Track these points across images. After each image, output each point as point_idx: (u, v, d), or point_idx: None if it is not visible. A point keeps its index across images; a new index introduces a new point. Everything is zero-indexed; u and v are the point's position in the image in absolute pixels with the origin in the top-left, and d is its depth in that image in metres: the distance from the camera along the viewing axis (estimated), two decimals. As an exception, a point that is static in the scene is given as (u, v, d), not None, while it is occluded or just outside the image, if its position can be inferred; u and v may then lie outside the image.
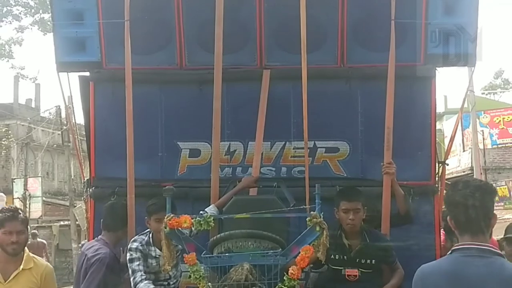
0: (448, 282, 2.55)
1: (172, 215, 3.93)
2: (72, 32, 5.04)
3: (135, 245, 4.16)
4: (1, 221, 3.83)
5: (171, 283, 4.27)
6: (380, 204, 4.47)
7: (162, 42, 5.06)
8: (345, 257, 4.10)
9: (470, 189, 2.64)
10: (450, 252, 2.67)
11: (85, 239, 6.76)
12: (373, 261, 4.09)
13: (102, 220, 4.57)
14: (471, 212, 2.59)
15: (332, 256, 4.04)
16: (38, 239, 15.51)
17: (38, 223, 26.13)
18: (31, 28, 30.04)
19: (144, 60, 4.97)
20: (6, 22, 30.14)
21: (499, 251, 2.69)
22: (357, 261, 4.09)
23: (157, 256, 4.17)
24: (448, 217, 2.75)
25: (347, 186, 4.50)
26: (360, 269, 4.06)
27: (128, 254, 4.15)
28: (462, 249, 2.60)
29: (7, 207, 4.03)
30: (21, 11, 29.44)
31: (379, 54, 4.77)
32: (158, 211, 4.15)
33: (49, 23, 26.69)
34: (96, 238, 4.55)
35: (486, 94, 36.49)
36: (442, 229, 5.81)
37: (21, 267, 3.87)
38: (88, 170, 5.32)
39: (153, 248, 4.20)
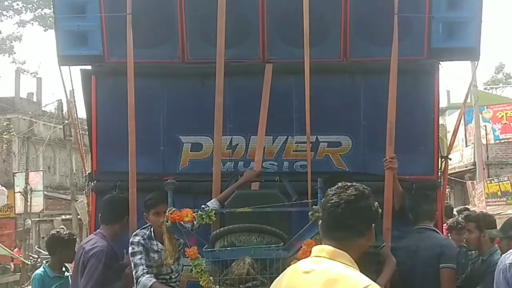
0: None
1: (173, 209, 3.92)
2: (74, 26, 5.03)
3: (137, 239, 4.16)
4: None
5: (173, 277, 4.27)
6: (381, 199, 4.46)
7: (164, 36, 5.04)
8: None
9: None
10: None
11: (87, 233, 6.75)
12: None
13: (100, 214, 4.57)
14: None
15: None
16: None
17: (39, 217, 26.20)
18: (32, 24, 30.08)
19: (146, 53, 4.95)
20: (8, 16, 30.16)
21: (433, 228, 4.63)
22: None
23: (159, 250, 4.17)
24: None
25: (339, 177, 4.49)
26: None
27: (130, 248, 4.15)
28: (418, 228, 4.58)
29: None
30: (22, 6, 29.46)
31: (382, 48, 4.75)
32: (156, 205, 4.15)
33: (50, 18, 26.71)
34: (94, 232, 4.55)
35: (489, 89, 36.44)
36: (445, 224, 5.85)
37: None
38: (90, 164, 5.31)
39: (154, 242, 4.19)
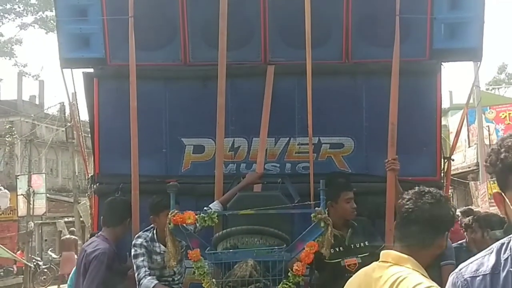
0: None
1: (176, 211, 3.92)
2: (76, 28, 5.04)
3: (139, 241, 4.16)
4: None
5: (176, 279, 4.27)
6: (382, 199, 4.45)
7: (166, 38, 5.05)
8: (341, 248, 4.12)
9: None
10: None
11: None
12: (366, 242, 4.09)
13: (102, 216, 4.58)
14: None
15: (328, 250, 4.04)
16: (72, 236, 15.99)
17: (42, 220, 26.20)
18: (34, 26, 30.14)
19: (148, 56, 4.96)
20: (9, 19, 30.24)
21: None
22: (352, 247, 4.11)
23: (161, 252, 4.17)
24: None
25: (335, 178, 4.50)
26: (357, 255, 4.06)
27: (132, 250, 4.15)
28: None
29: None
30: (24, 8, 29.54)
31: (384, 50, 4.74)
32: (169, 207, 4.13)
33: (52, 21, 26.77)
34: (96, 234, 4.56)
35: (491, 90, 36.38)
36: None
37: None
38: (92, 166, 5.32)
39: (157, 244, 4.19)
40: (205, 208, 4.06)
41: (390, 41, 4.58)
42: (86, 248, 4.38)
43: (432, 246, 2.33)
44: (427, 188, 2.38)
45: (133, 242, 4.19)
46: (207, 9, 4.88)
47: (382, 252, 2.40)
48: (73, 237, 16.13)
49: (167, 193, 4.06)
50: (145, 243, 4.16)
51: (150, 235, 4.22)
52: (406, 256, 2.29)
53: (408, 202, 2.35)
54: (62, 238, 17.32)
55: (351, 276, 3.99)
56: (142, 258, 4.10)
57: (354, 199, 4.31)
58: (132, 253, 4.14)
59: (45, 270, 20.77)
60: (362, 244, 4.11)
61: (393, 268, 2.27)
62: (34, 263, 20.88)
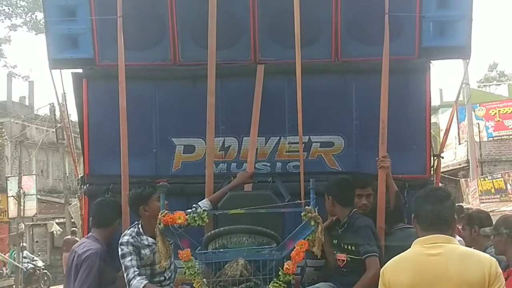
0: None
1: (166, 211, 3.90)
2: (64, 29, 5.02)
3: (125, 238, 4.08)
4: None
5: (167, 277, 4.23)
6: (374, 198, 4.47)
7: (155, 38, 5.04)
8: (335, 241, 4.22)
9: None
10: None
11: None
12: (353, 247, 4.08)
13: (91, 217, 4.56)
14: None
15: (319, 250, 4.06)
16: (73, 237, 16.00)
17: (33, 221, 26.08)
18: (22, 27, 30.05)
19: (137, 56, 4.94)
20: (-1, 21, 30.11)
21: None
22: (341, 246, 4.15)
23: (150, 244, 4.10)
24: None
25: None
26: (348, 255, 4.08)
27: (119, 250, 4.06)
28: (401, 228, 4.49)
29: None
30: (12, 10, 29.43)
31: (373, 48, 4.75)
32: (155, 192, 4.11)
33: (41, 22, 26.65)
34: (86, 235, 4.54)
35: (482, 87, 36.57)
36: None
37: None
38: (82, 167, 5.30)
39: (144, 237, 4.12)
40: (194, 205, 4.04)
41: (380, 40, 4.58)
42: (76, 249, 4.35)
43: (453, 226, 2.88)
44: (437, 186, 2.93)
45: (119, 241, 4.11)
46: (196, 8, 4.87)
47: (426, 238, 2.80)
48: (75, 238, 16.14)
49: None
50: (131, 240, 4.07)
51: (135, 230, 4.15)
52: (450, 237, 2.82)
53: (430, 201, 2.84)
54: (64, 238, 17.38)
55: (341, 273, 4.07)
56: (129, 258, 4.02)
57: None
58: (120, 253, 4.06)
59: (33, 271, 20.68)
60: (349, 247, 4.09)
61: (449, 245, 2.75)
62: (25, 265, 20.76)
